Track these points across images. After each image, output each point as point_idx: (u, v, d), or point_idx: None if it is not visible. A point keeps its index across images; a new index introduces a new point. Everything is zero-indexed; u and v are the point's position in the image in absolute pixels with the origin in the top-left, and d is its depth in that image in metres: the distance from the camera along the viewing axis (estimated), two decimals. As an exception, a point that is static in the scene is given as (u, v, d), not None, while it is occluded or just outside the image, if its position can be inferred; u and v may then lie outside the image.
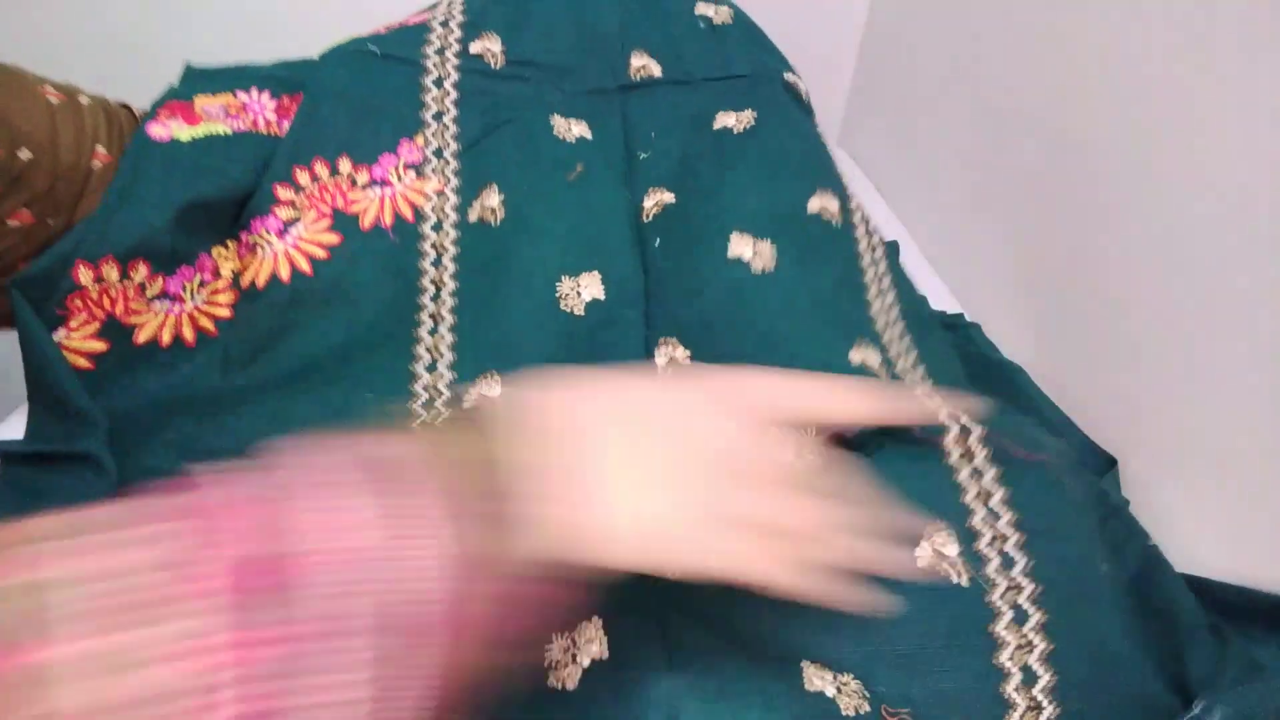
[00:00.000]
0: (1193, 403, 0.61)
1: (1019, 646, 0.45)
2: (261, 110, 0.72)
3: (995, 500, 0.49)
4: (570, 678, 0.44)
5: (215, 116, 0.70)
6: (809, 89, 0.89)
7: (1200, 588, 0.54)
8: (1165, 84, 0.64)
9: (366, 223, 0.70)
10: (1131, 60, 0.68)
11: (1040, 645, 0.45)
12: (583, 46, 0.79)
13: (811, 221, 0.71)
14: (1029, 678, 0.44)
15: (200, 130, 0.68)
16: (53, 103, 0.63)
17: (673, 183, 0.74)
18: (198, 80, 0.74)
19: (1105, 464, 0.67)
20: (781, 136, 0.76)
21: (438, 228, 0.71)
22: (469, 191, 0.72)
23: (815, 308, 0.64)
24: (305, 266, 0.68)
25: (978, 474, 0.51)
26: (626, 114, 0.78)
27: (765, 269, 0.66)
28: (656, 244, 0.70)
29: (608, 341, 0.66)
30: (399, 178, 0.72)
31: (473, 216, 0.71)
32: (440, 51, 0.76)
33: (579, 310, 0.66)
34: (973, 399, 0.56)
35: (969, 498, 0.50)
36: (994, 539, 0.47)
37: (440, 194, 0.72)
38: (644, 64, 0.80)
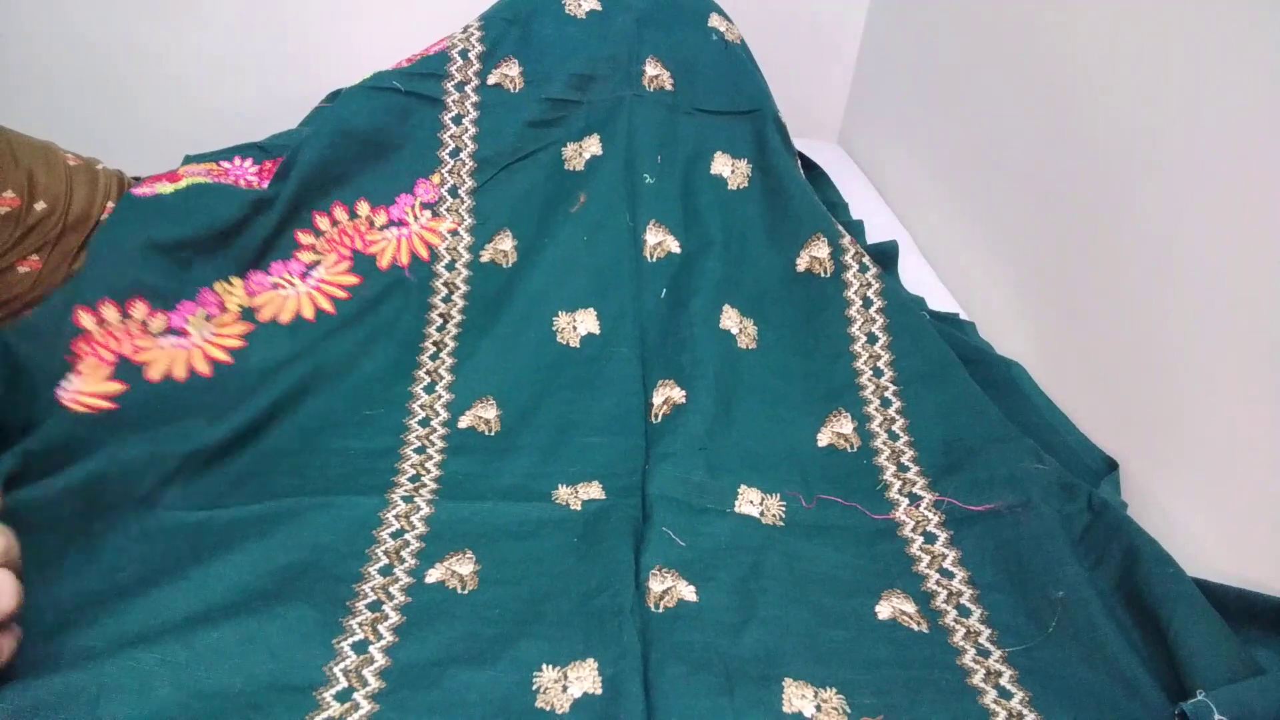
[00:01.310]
0: (1193, 403, 0.61)
1: (989, 673, 0.49)
2: (243, 173, 0.75)
3: (948, 562, 0.55)
4: (561, 704, 0.46)
5: (197, 174, 0.72)
6: (809, 89, 0.89)
7: (1200, 590, 0.54)
8: (1165, 83, 0.64)
9: (384, 262, 0.74)
10: (1131, 60, 0.68)
11: (1008, 672, 0.48)
12: (600, 54, 0.80)
13: (799, 283, 0.76)
14: (1004, 694, 0.48)
15: (183, 184, 0.71)
16: (71, 164, 0.68)
17: (677, 227, 0.77)
18: (190, 160, 0.77)
19: (1105, 466, 0.67)
20: (774, 200, 0.80)
21: (450, 267, 0.75)
22: (482, 232, 0.76)
23: (796, 380, 0.70)
24: (327, 306, 0.72)
25: (932, 537, 0.57)
26: (633, 127, 0.79)
27: (749, 346, 0.72)
28: (662, 294, 0.74)
29: (600, 374, 0.69)
30: (415, 217, 0.76)
31: (485, 257, 0.76)
32: (460, 86, 0.78)
33: (574, 343, 0.71)
34: (941, 457, 0.63)
35: (922, 566, 0.56)
36: (949, 595, 0.53)
37: (454, 233, 0.76)
38: (657, 74, 0.81)
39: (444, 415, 0.67)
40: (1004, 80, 0.87)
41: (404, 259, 0.74)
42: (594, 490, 0.60)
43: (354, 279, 0.73)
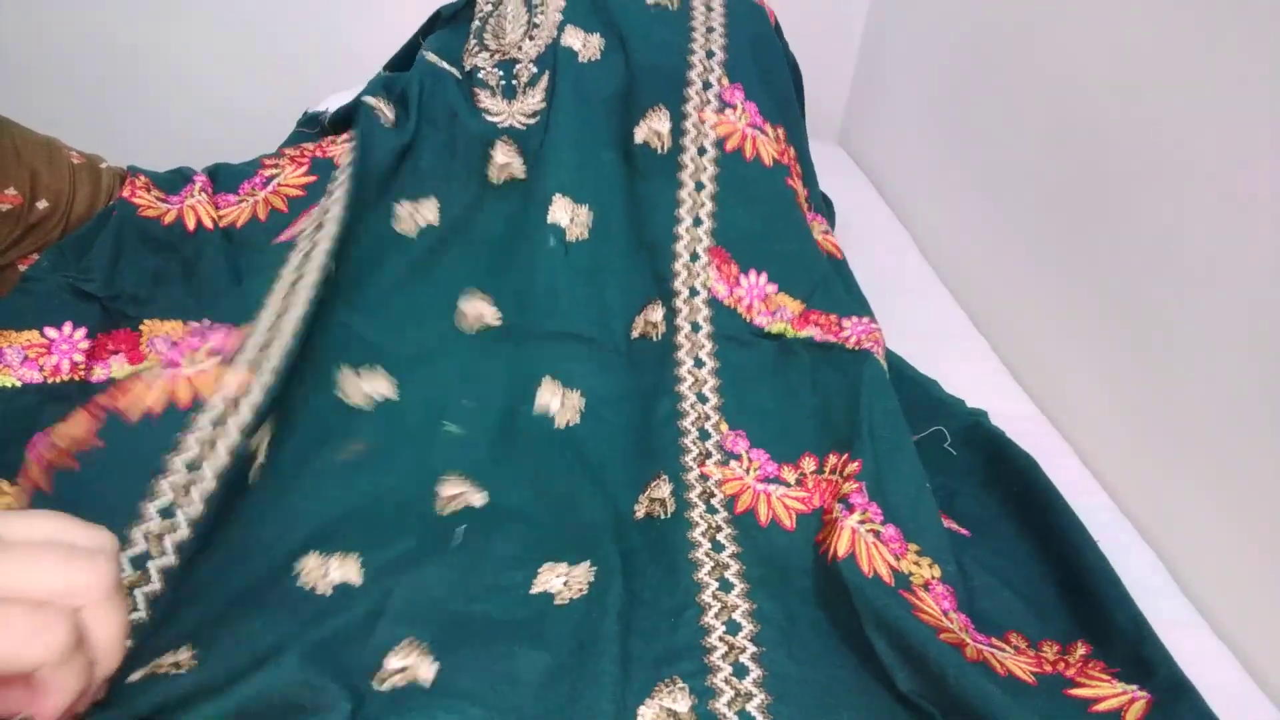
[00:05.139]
0: (1195, 402, 0.61)
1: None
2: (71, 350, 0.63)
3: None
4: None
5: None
6: (809, 89, 0.90)
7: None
8: (1166, 82, 0.64)
9: (138, 412, 0.56)
10: (1131, 59, 0.68)
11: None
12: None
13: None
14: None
15: None
16: (75, 163, 0.69)
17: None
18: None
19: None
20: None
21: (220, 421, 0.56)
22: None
23: None
24: (280, 205, 0.74)
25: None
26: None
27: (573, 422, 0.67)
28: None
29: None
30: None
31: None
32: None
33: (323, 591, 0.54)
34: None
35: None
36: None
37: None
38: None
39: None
40: (1004, 80, 0.87)
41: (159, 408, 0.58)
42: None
43: (311, 178, 0.75)
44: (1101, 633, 0.51)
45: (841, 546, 0.51)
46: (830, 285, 0.73)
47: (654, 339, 0.69)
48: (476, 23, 0.84)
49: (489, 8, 0.85)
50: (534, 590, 0.52)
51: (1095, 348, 0.72)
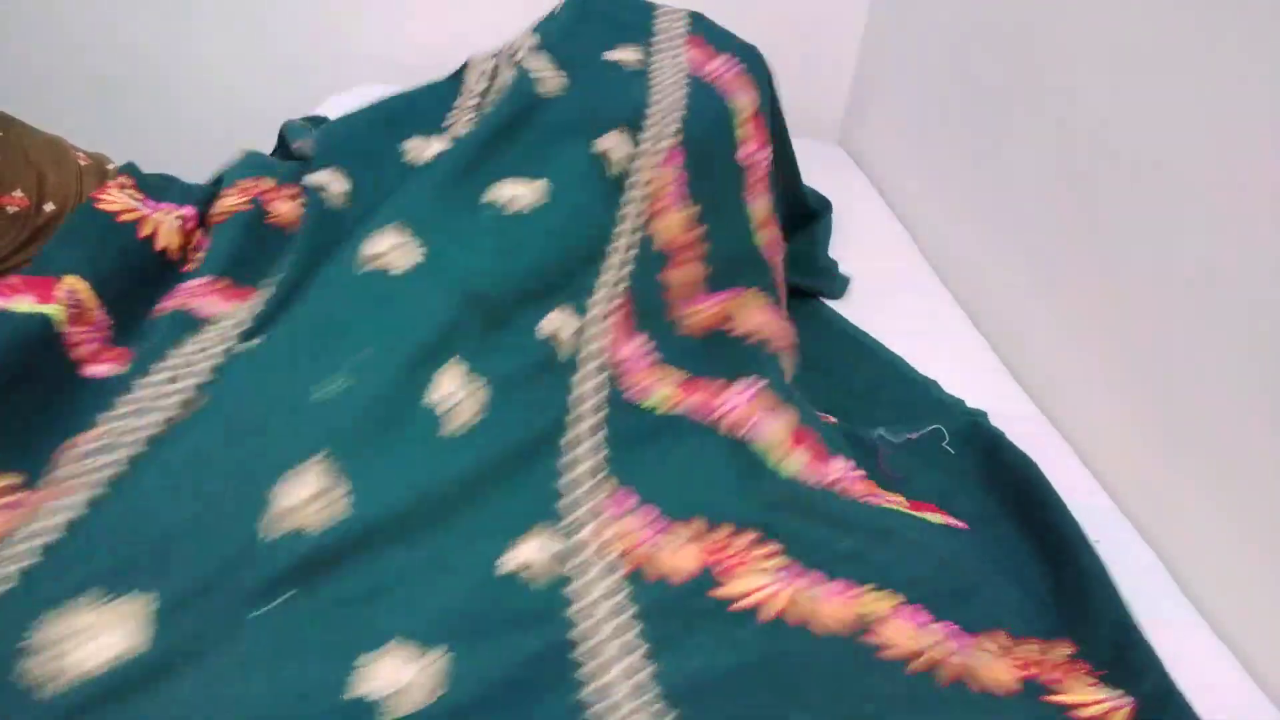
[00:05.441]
0: (1195, 402, 0.61)
1: None
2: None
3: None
4: None
5: None
6: (809, 89, 0.89)
7: None
8: (1166, 82, 0.64)
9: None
10: (1131, 59, 0.68)
11: None
12: None
13: None
14: None
15: None
16: (81, 164, 0.69)
17: None
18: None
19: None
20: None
21: None
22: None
23: None
24: None
25: None
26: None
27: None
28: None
29: None
30: None
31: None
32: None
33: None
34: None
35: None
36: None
37: None
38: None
39: None
40: (1004, 80, 0.87)
41: None
42: None
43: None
44: (1089, 633, 0.51)
45: (790, 609, 0.51)
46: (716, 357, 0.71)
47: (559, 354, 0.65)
48: (475, 99, 0.84)
49: (486, 83, 0.85)
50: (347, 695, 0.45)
51: (1095, 348, 0.72)
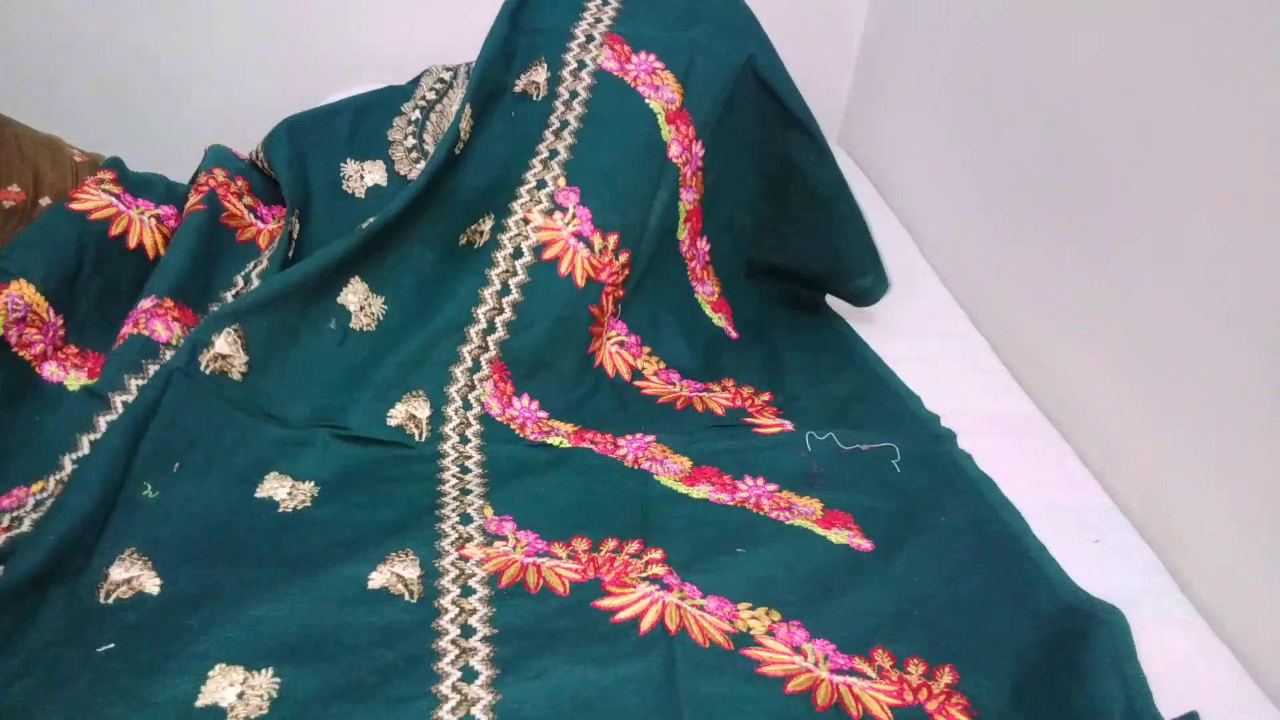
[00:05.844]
0: (1195, 402, 0.61)
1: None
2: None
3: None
4: None
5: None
6: (809, 89, 0.89)
7: None
8: (1166, 82, 0.64)
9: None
10: (1131, 60, 0.68)
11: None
12: None
13: None
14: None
15: None
16: (77, 160, 0.70)
17: None
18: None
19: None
20: None
21: None
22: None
23: None
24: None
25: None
26: None
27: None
28: None
29: None
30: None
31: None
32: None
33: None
34: None
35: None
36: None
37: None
38: None
39: None
40: (1005, 80, 0.87)
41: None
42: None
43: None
44: (995, 671, 0.52)
45: (671, 622, 0.52)
46: (600, 407, 0.74)
47: (417, 436, 0.68)
48: (417, 113, 0.86)
49: (433, 96, 0.87)
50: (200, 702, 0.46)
51: (1095, 348, 0.72)
